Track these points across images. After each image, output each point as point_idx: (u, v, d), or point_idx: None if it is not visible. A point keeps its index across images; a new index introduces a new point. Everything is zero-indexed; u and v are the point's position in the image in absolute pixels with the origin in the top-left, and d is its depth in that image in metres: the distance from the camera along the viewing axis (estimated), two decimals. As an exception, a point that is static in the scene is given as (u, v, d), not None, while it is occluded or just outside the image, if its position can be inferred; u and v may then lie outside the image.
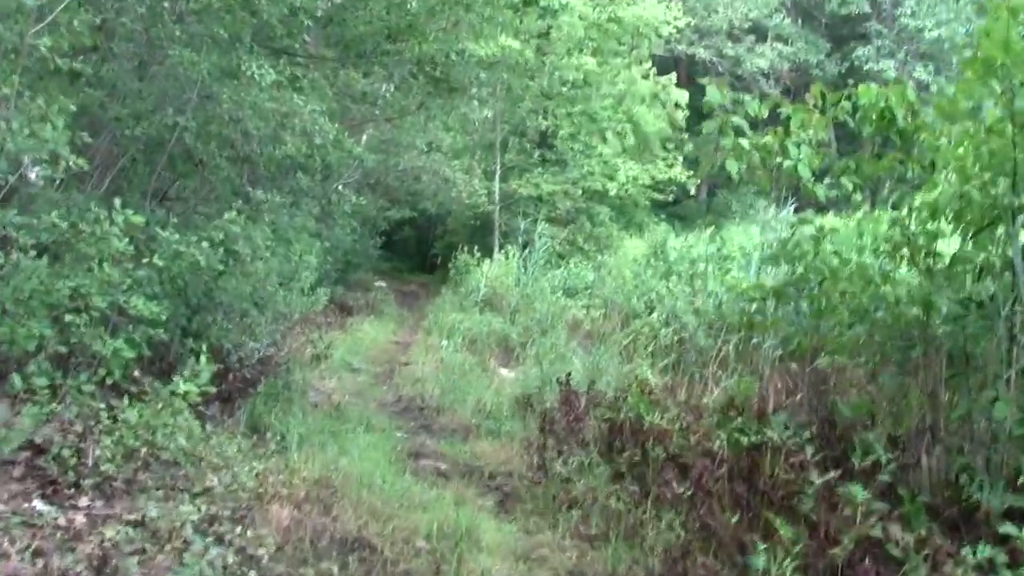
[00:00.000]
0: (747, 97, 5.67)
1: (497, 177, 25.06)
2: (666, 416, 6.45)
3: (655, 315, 13.44)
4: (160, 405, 5.66)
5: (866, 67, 36.60)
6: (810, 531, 4.88)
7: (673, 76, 28.13)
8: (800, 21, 41.71)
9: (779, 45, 39.01)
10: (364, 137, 20.72)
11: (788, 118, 5.49)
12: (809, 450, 5.22)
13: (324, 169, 11.91)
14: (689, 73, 33.95)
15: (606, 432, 7.17)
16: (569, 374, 8.62)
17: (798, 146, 5.26)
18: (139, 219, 5.76)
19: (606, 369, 11.45)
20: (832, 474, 4.98)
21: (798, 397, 7.42)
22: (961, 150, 5.04)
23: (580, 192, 25.81)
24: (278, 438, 7.45)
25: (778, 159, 5.29)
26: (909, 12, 35.76)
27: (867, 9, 38.70)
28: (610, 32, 26.15)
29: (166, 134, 7.06)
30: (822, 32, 41.61)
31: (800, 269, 5.82)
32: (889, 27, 37.78)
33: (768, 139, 5.33)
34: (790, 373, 8.50)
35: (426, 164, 23.36)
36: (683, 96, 27.58)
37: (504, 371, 13.45)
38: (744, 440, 5.61)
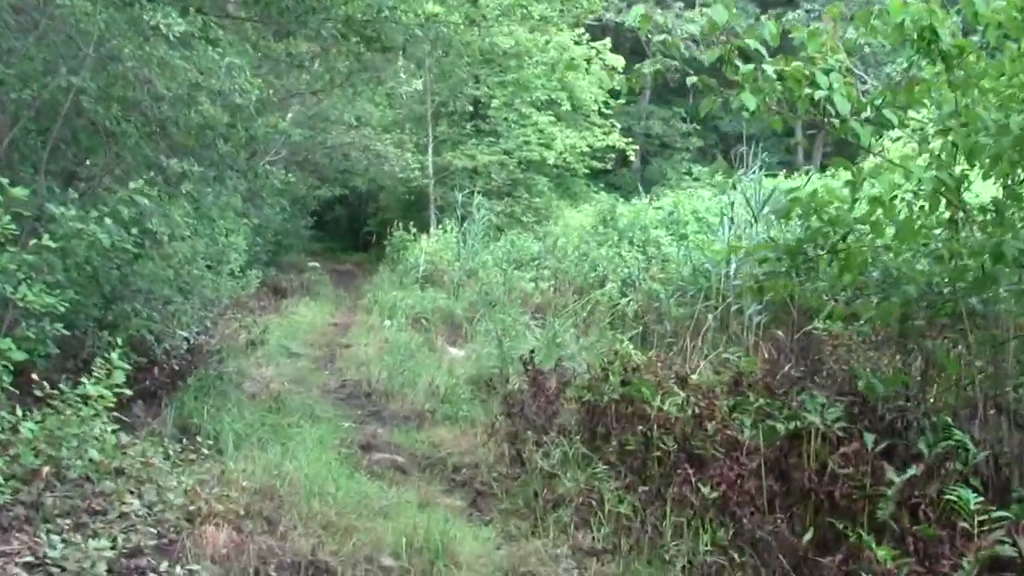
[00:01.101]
0: (763, 18, 4.85)
1: (430, 150, 24.09)
2: (669, 399, 5.57)
3: (609, 285, 12.70)
4: (68, 411, 4.71)
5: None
6: (895, 544, 4.01)
7: (608, 41, 27.33)
8: (727, -16, 41.01)
9: (707, 11, 38.24)
10: (290, 113, 19.65)
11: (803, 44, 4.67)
12: (869, 438, 4.38)
13: (249, 142, 10.89)
14: (617, 42, 33.12)
15: (586, 417, 6.32)
16: (532, 352, 7.79)
17: (828, 73, 4.44)
18: (21, 192, 4.76)
19: (566, 344, 10.69)
20: (914, 470, 4.14)
21: (786, 368, 6.73)
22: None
23: (516, 162, 24.96)
24: (211, 439, 6.52)
25: (807, 91, 4.44)
26: (838, -29, 35.34)
27: (795, -30, 38.22)
28: (541, -4, 25.20)
29: (61, 98, 5.98)
30: (749, -3, 41.09)
31: (815, 223, 5.03)
32: (817, -12, 37.30)
33: (797, 65, 4.47)
34: (776, 341, 7.82)
35: (355, 139, 22.31)
36: (619, 61, 26.80)
37: (453, 349, 12.61)
38: (780, 427, 4.77)
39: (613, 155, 28.66)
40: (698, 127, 37.59)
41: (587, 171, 27.15)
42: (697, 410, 5.32)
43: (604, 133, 26.93)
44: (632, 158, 28.45)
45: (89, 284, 6.32)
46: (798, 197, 5.08)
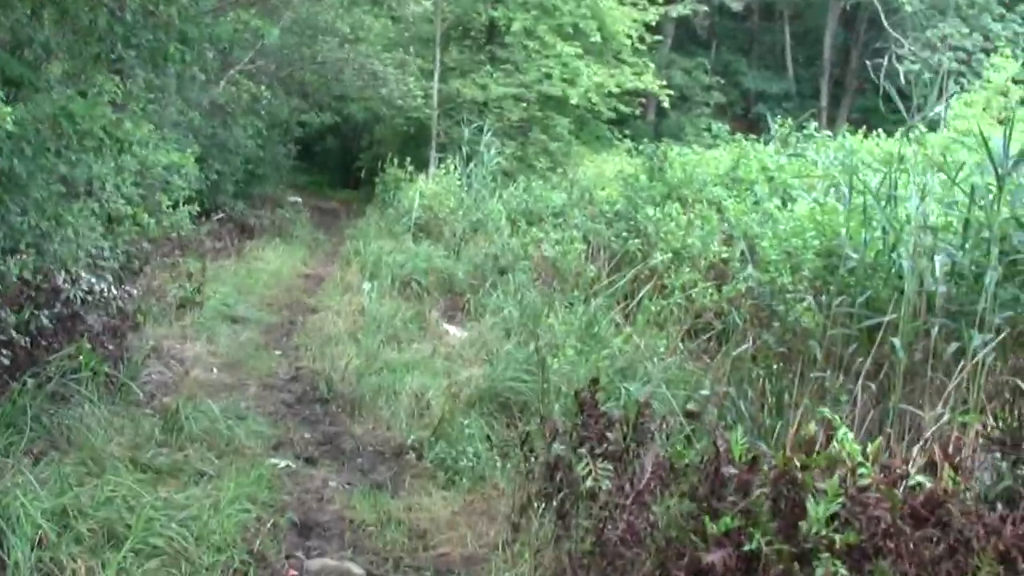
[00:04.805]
0: None
1: (436, 77, 20.61)
2: None
3: (660, 255, 9.52)
4: None
5: None
6: None
7: (648, -34, 23.76)
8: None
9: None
10: (281, 22, 16.24)
11: None
12: None
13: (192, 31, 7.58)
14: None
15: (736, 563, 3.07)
16: (596, 384, 4.59)
17: None
18: None
19: (606, 340, 7.57)
20: None
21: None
22: None
23: (534, 98, 21.55)
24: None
25: None
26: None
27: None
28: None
29: None
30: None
31: None
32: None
33: None
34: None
35: (349, 55, 18.88)
36: (659, -9, 23.33)
37: (452, 328, 9.46)
38: None
39: (643, 100, 25.35)
40: (721, 80, 34.00)
41: (613, 115, 23.71)
42: None
43: (635, 73, 23.45)
44: (665, 105, 24.84)
45: None
46: None
